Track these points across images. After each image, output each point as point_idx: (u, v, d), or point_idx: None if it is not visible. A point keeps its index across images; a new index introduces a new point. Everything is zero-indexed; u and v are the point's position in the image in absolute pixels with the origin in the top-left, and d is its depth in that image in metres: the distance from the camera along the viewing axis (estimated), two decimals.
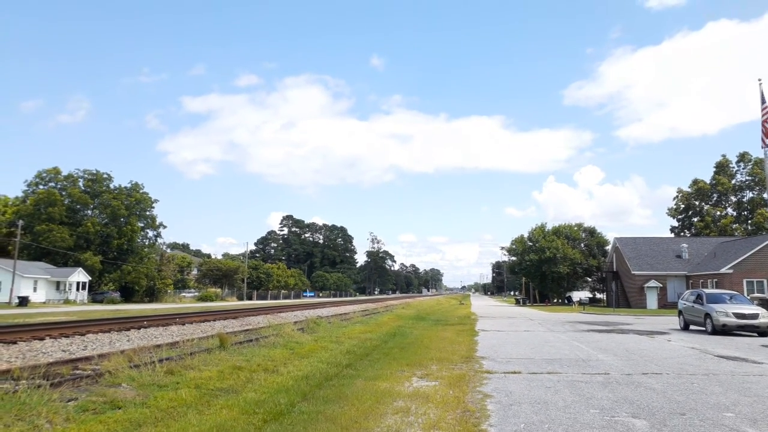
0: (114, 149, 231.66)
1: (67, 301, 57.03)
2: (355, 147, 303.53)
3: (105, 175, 70.68)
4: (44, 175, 67.96)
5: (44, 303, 54.34)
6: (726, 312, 20.64)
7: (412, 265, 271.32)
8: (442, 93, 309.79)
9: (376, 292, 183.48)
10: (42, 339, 15.18)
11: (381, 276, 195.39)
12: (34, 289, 56.05)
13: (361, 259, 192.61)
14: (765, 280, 44.08)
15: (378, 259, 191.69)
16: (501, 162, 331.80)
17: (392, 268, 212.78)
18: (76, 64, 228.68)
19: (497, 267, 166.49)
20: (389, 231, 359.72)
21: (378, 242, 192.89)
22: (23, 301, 48.44)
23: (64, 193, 66.88)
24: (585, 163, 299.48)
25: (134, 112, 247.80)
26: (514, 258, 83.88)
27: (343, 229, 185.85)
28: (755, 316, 20.43)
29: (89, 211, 69.41)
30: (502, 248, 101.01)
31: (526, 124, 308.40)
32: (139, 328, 19.10)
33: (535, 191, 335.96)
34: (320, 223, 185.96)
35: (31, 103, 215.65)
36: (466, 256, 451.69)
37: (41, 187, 66.93)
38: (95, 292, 63.83)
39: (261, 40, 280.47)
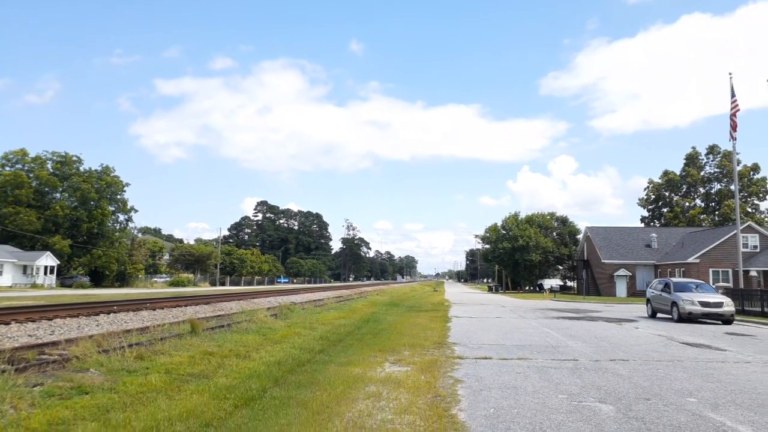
0: (84, 131, 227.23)
1: (34, 285, 55.87)
2: (332, 133, 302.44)
3: (74, 158, 69.07)
4: (11, 156, 66.10)
5: (10, 287, 53.18)
6: (692, 300, 21.16)
7: (387, 252, 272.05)
8: (419, 80, 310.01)
9: (350, 279, 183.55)
10: (7, 323, 14.85)
11: (356, 263, 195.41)
12: (0, 273, 54.80)
13: (336, 245, 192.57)
14: (730, 270, 45.26)
15: (353, 246, 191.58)
16: (477, 151, 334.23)
17: (367, 255, 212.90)
18: (45, 43, 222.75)
19: (471, 255, 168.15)
20: (365, 218, 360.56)
21: (353, 229, 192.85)
22: None
23: (31, 175, 65.18)
24: (559, 153, 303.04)
25: (106, 94, 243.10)
26: (487, 246, 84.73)
27: (318, 216, 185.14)
28: (720, 305, 20.99)
29: (58, 194, 67.89)
30: (476, 236, 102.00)
31: (503, 113, 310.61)
32: (108, 313, 18.80)
33: (509, 180, 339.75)
34: (295, 210, 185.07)
35: None
36: (441, 243, 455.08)
37: (7, 168, 65.09)
38: (64, 277, 62.64)
39: (237, 22, 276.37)
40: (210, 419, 5.84)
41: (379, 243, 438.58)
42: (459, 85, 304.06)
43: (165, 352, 10.11)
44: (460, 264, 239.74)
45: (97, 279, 65.43)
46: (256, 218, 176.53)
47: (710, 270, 46.71)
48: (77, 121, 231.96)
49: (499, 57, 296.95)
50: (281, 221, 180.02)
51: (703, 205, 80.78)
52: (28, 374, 7.89)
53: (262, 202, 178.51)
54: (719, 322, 21.10)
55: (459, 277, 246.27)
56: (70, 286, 57.86)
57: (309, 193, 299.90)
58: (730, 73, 28.74)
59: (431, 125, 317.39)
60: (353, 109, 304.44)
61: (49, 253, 59.62)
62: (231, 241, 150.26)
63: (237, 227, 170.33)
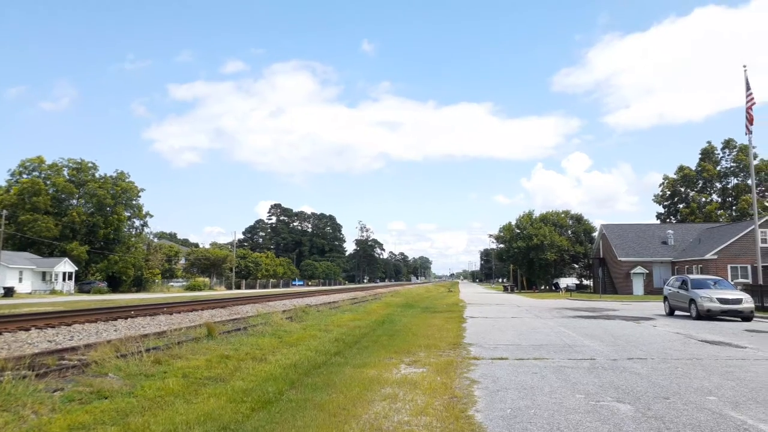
0: (99, 137, 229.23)
1: (53, 292, 56.59)
2: (344, 134, 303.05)
3: (90, 164, 70.09)
4: (28, 164, 67.14)
5: (30, 293, 53.89)
6: (710, 297, 20.88)
7: (401, 253, 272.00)
8: (430, 79, 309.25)
9: (365, 281, 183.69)
10: (27, 330, 15.07)
11: (370, 264, 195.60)
12: (20, 280, 55.55)
13: (350, 247, 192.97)
14: (749, 266, 44.63)
15: (367, 247, 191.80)
16: (490, 149, 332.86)
17: (381, 257, 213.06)
18: (59, 50, 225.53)
19: (485, 254, 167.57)
20: (378, 219, 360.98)
21: (367, 231, 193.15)
22: (8, 292, 48.04)
23: (48, 182, 66.14)
24: (573, 150, 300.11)
25: (119, 100, 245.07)
26: (502, 245, 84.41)
27: (331, 218, 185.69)
28: (739, 302, 20.69)
29: (74, 201, 68.76)
30: (491, 236, 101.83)
31: (515, 110, 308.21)
32: (126, 318, 19.01)
33: (523, 178, 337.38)
34: (309, 212, 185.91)
35: (13, 90, 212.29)
36: (455, 244, 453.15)
37: (25, 176, 66.13)
38: (82, 282, 63.38)
39: (248, 25, 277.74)
40: (227, 422, 5.87)
41: (392, 244, 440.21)
42: (470, 84, 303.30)
43: (182, 356, 10.18)
44: (475, 264, 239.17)
45: (115, 284, 66.13)
46: (270, 221, 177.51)
47: (728, 266, 46.08)
48: (92, 127, 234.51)
49: (510, 54, 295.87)
50: (295, 224, 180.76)
51: (719, 200, 79.76)
52: (49, 379, 7.99)
53: (275, 205, 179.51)
54: (738, 319, 20.80)
55: (474, 277, 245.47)
56: (88, 292, 58.53)
57: (322, 195, 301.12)
58: (744, 66, 28.34)
59: (443, 124, 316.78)
60: (365, 110, 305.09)
61: (67, 259, 60.37)
62: (246, 244, 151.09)
63: (251, 230, 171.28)
